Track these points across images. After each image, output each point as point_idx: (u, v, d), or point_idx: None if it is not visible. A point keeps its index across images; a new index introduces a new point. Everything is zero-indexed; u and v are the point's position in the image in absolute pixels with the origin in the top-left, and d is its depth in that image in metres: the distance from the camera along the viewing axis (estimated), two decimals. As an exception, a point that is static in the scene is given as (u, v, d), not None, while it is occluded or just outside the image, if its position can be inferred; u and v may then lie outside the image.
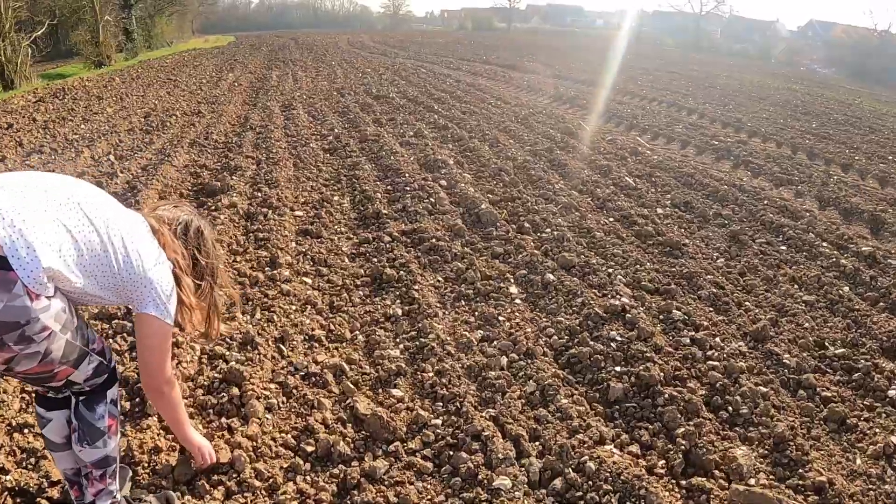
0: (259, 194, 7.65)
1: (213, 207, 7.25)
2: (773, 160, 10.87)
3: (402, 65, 25.37)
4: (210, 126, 12.12)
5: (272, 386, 4.13)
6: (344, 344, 4.70)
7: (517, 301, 5.26)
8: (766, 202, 8.18)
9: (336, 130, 11.50)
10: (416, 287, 5.37)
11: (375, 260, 6.00)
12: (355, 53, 31.77)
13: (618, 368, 4.34)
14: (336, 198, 7.78)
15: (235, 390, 4.01)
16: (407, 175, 8.36)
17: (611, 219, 7.23)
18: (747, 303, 5.54)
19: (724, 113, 16.23)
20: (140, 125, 12.41)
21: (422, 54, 32.39)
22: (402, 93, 16.54)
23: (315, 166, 9.15)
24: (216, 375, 4.19)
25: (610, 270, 5.83)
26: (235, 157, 9.42)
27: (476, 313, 5.06)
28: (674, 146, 12.14)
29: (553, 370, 4.35)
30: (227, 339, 4.61)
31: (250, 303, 5.16)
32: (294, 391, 4.09)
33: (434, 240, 6.32)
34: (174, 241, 2.84)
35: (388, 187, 8.12)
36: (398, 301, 5.25)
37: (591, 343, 4.59)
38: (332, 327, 4.86)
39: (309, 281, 5.60)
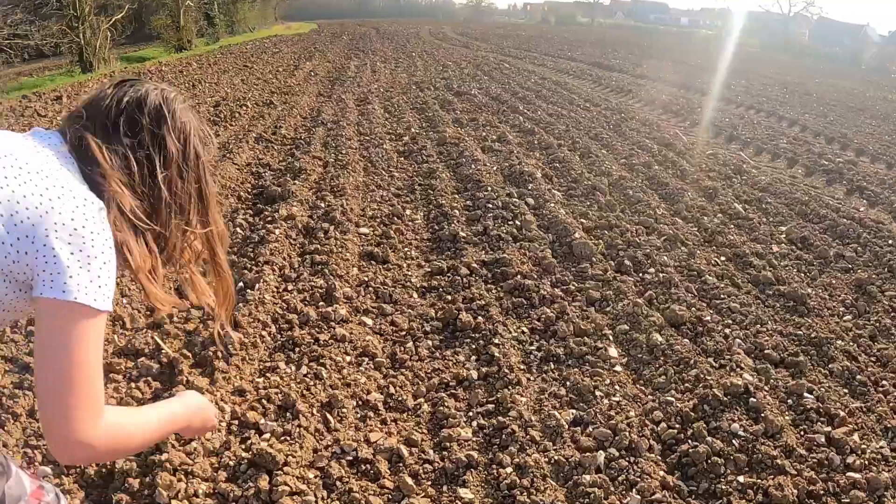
0: (322, 205, 6.83)
1: (269, 219, 6.48)
2: (887, 187, 9.60)
3: (484, 58, 24.44)
4: (280, 119, 11.41)
5: (311, 474, 3.29)
6: (405, 415, 3.82)
7: (617, 368, 4.28)
8: (890, 242, 6.97)
9: (413, 130, 10.65)
10: (497, 340, 4.43)
11: (449, 298, 5.09)
12: (436, 45, 30.95)
13: (741, 479, 3.35)
14: (408, 212, 6.92)
15: (265, 481, 3.18)
16: (489, 189, 7.39)
17: (722, 258, 6.16)
18: (884, 381, 4.46)
19: (826, 126, 14.87)
20: (208, 115, 11.76)
21: (504, 48, 31.39)
22: (485, 90, 15.60)
23: (387, 172, 8.30)
24: (244, 454, 3.37)
25: (727, 331, 4.79)
26: (302, 156, 8.65)
27: (567, 383, 4.09)
28: (780, 164, 10.96)
29: (661, 475, 3.39)
30: (264, 402, 3.80)
31: (296, 349, 4.34)
32: (337, 483, 3.24)
33: (519, 276, 5.35)
34: (102, 150, 1.59)
35: (468, 202, 7.19)
36: (473, 358, 4.33)
37: (709, 438, 3.60)
38: (391, 390, 3.99)
39: (369, 322, 4.73)
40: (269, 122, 11.17)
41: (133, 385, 4.15)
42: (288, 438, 3.49)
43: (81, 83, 15.13)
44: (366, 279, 5.34)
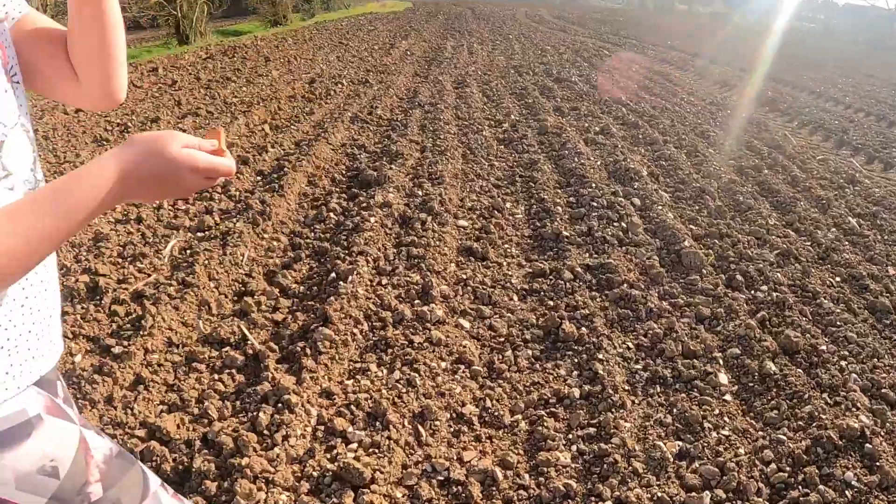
0: (419, 192, 6.62)
1: (364, 205, 6.29)
2: None
3: (583, 44, 23.84)
4: (376, 99, 11.25)
5: (399, 493, 3.10)
6: (501, 433, 3.58)
7: (727, 398, 3.93)
8: None
9: (512, 116, 10.32)
10: (601, 356, 4.13)
11: (551, 303, 4.79)
12: (533, 27, 30.39)
13: (851, 535, 3.03)
14: (508, 205, 6.63)
15: (350, 498, 3.00)
16: (593, 185, 6.99)
17: (837, 278, 5.67)
18: None
19: (941, 135, 13.95)
20: (303, 91, 11.69)
21: (602, 33, 30.62)
22: (586, 77, 15.11)
23: (487, 160, 8.01)
24: (329, 466, 3.19)
25: (843, 363, 4.36)
26: (398, 139, 8.45)
27: (674, 410, 3.77)
28: (893, 175, 10.26)
29: (770, 525, 3.09)
30: (353, 408, 3.60)
31: (389, 351, 4.13)
32: (427, 507, 3.04)
33: (625, 285, 5.00)
34: None
35: (571, 199, 6.81)
36: (576, 373, 4.04)
37: (821, 486, 3.25)
38: (488, 403, 3.75)
39: (466, 325, 4.50)
40: (364, 102, 11.02)
41: (216, 377, 4.03)
42: (376, 451, 3.30)
43: (177, 55, 15.22)
44: (464, 277, 5.11)
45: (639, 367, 4.17)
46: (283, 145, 8.35)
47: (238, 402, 3.79)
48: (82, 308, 4.99)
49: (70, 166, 7.61)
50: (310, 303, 4.77)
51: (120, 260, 5.66)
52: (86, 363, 4.01)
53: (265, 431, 3.44)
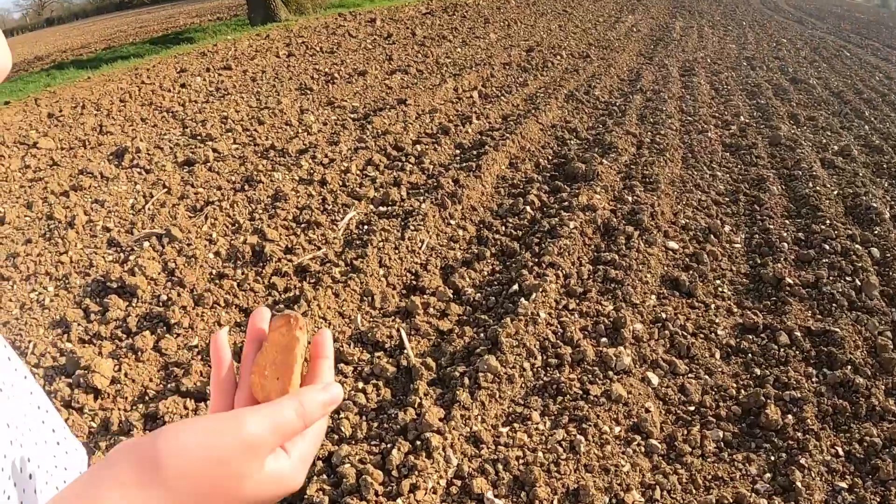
0: (629, 198, 5.84)
1: (566, 203, 5.64)
2: None
3: (821, 40, 21.67)
4: (595, 77, 10.48)
5: None
6: (666, 544, 2.86)
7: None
8: None
9: (742, 119, 9.16)
10: (803, 460, 3.15)
11: (758, 372, 3.82)
12: (768, 15, 28.10)
13: None
14: (727, 228, 5.57)
15: None
16: (827, 222, 5.67)
17: None
18: None
19: None
20: (519, 60, 11.10)
21: (842, 31, 27.81)
22: (824, 81, 13.50)
23: (709, 168, 6.97)
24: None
25: None
26: (614, 129, 7.67)
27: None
28: None
29: None
30: (499, 467, 3.01)
31: (559, 399, 3.49)
32: None
33: (849, 367, 3.82)
34: None
35: (800, 234, 5.56)
36: (768, 476, 3.12)
37: None
38: (656, 494, 2.96)
39: (654, 381, 3.71)
40: (582, 79, 10.27)
41: (360, 385, 3.59)
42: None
43: (398, 8, 14.98)
44: (663, 316, 4.27)
45: (843, 485, 3.12)
46: (490, 117, 7.82)
47: (375, 424, 3.33)
48: (242, 273, 4.68)
49: (268, 113, 7.39)
50: (482, 316, 4.21)
51: (293, 225, 5.33)
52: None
53: (394, 472, 2.95)
